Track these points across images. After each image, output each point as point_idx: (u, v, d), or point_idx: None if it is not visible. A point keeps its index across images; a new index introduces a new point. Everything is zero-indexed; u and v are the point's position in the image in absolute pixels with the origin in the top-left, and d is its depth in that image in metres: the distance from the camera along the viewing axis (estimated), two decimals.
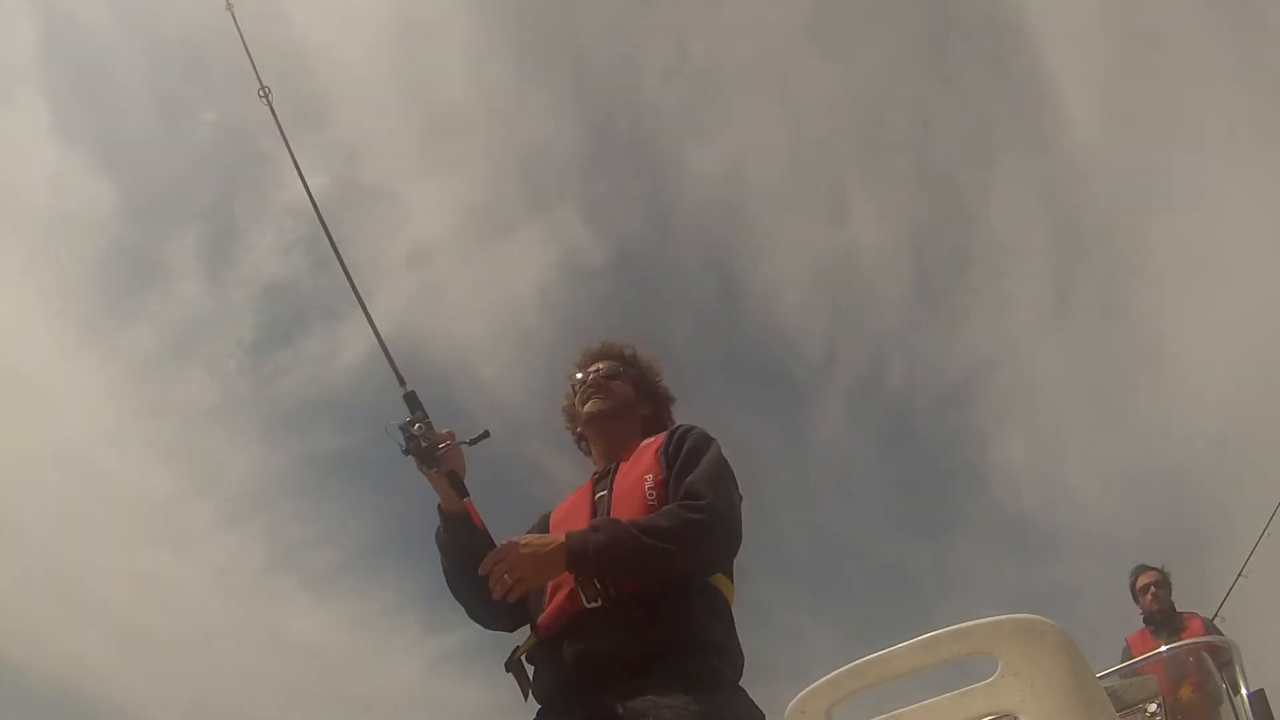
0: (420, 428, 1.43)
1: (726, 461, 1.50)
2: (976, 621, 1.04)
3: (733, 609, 1.42)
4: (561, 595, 1.37)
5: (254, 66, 1.99)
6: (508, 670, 1.44)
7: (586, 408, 1.69)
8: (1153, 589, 4.16)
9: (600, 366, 1.75)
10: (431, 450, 1.43)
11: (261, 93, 1.95)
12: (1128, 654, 4.10)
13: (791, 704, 1.21)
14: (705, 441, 1.53)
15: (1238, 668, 3.14)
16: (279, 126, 1.88)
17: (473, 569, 1.35)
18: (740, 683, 1.36)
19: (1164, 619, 4.10)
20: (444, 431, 1.46)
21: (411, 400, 1.49)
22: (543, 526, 1.64)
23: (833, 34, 11.36)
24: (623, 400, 1.70)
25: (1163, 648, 3.69)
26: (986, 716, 1.03)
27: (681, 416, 1.77)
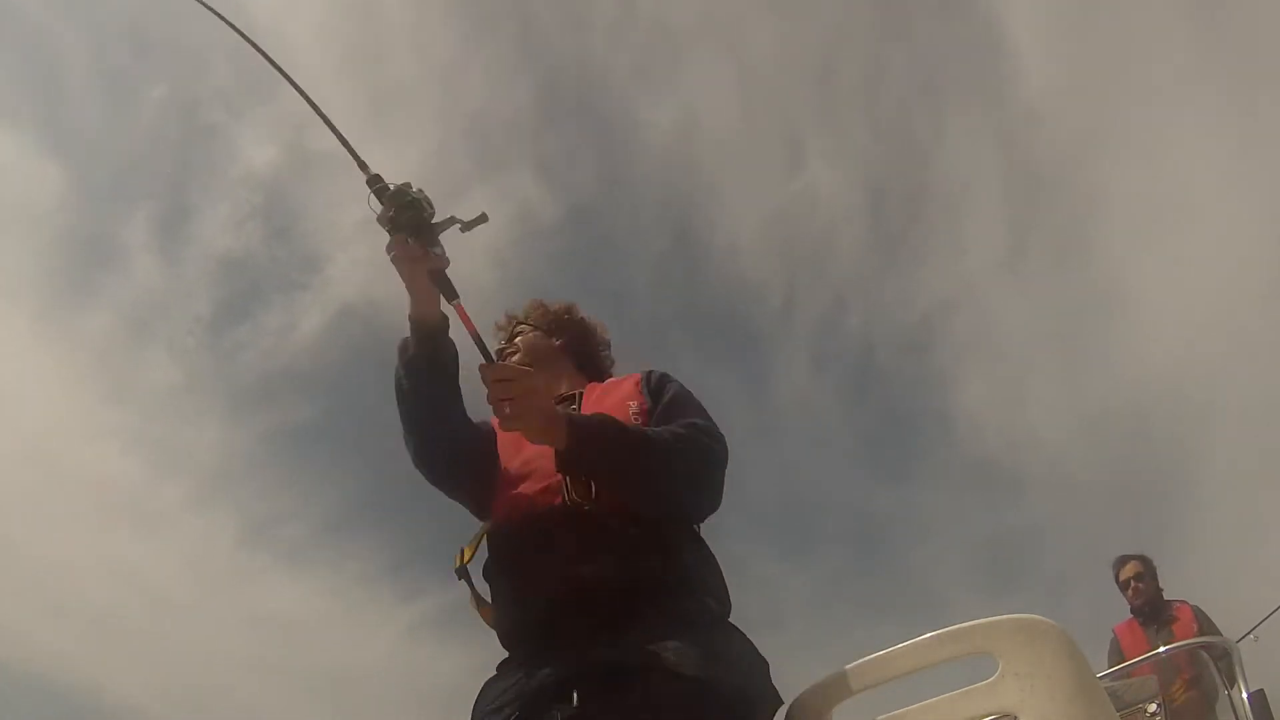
0: (419, 191, 1.20)
1: None
2: (976, 621, 1.04)
3: None
4: (534, 484, 1.23)
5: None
6: (459, 578, 1.32)
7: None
8: (1134, 583, 4.10)
9: (507, 335, 1.63)
10: (424, 222, 1.20)
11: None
12: (1115, 645, 4.06)
13: (792, 703, 1.20)
14: (687, 390, 1.40)
15: (1237, 667, 3.13)
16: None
17: (450, 399, 1.24)
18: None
19: (1152, 610, 4.05)
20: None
21: (378, 186, 1.24)
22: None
23: None
24: (543, 353, 1.56)
25: (1161, 649, 3.68)
26: (987, 716, 1.03)
27: (633, 370, 1.58)
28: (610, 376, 1.60)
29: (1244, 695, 2.98)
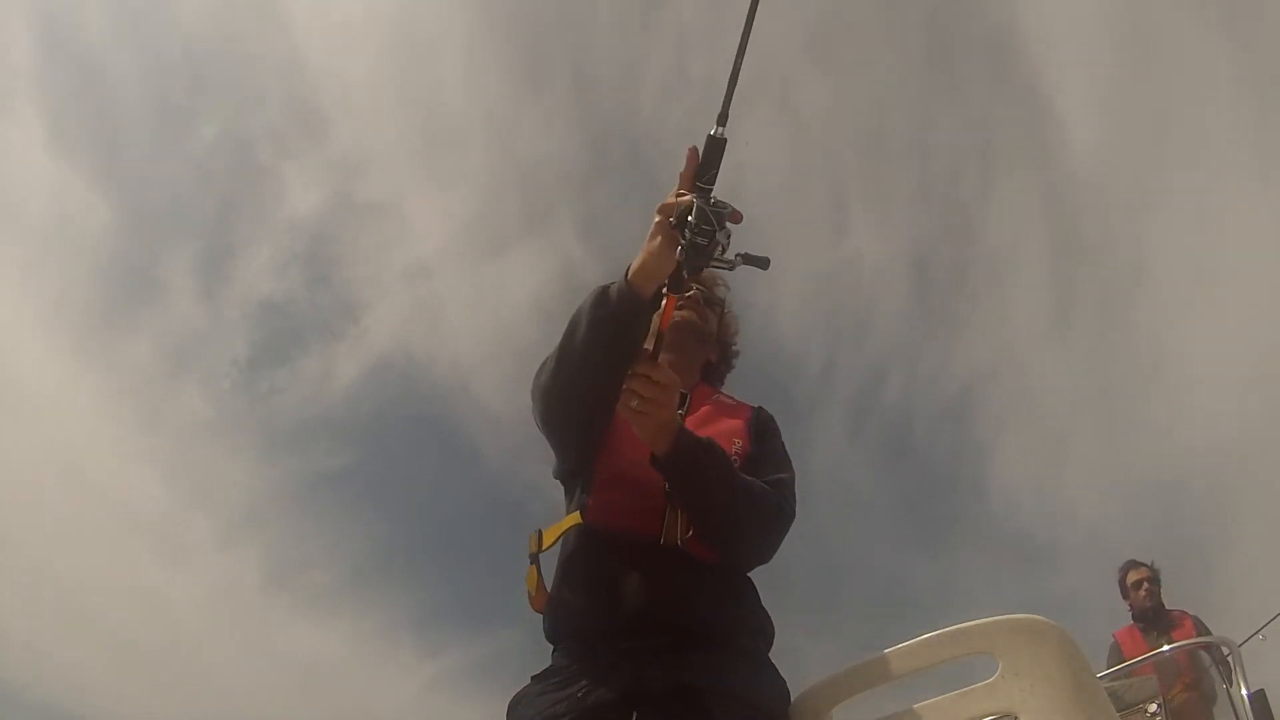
0: (724, 233, 1.03)
1: None
2: (977, 621, 1.05)
3: None
4: (635, 499, 1.23)
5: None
6: (531, 562, 1.31)
7: (679, 314, 1.44)
8: (1145, 585, 4.15)
9: (705, 288, 1.56)
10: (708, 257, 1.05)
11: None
12: (1115, 650, 4.08)
13: (793, 703, 1.21)
14: (785, 448, 1.45)
15: (1237, 667, 3.13)
16: None
17: (620, 364, 1.14)
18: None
19: (1154, 616, 4.10)
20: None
21: (714, 152, 1.07)
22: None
23: (833, 48, 11.50)
24: (709, 333, 1.56)
25: (1165, 647, 3.69)
26: (987, 716, 1.03)
27: None
28: (721, 386, 1.61)
29: (1244, 695, 2.98)
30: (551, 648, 1.28)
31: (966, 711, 1.04)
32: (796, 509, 1.32)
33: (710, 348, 1.59)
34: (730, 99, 1.07)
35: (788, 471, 1.38)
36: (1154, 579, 4.18)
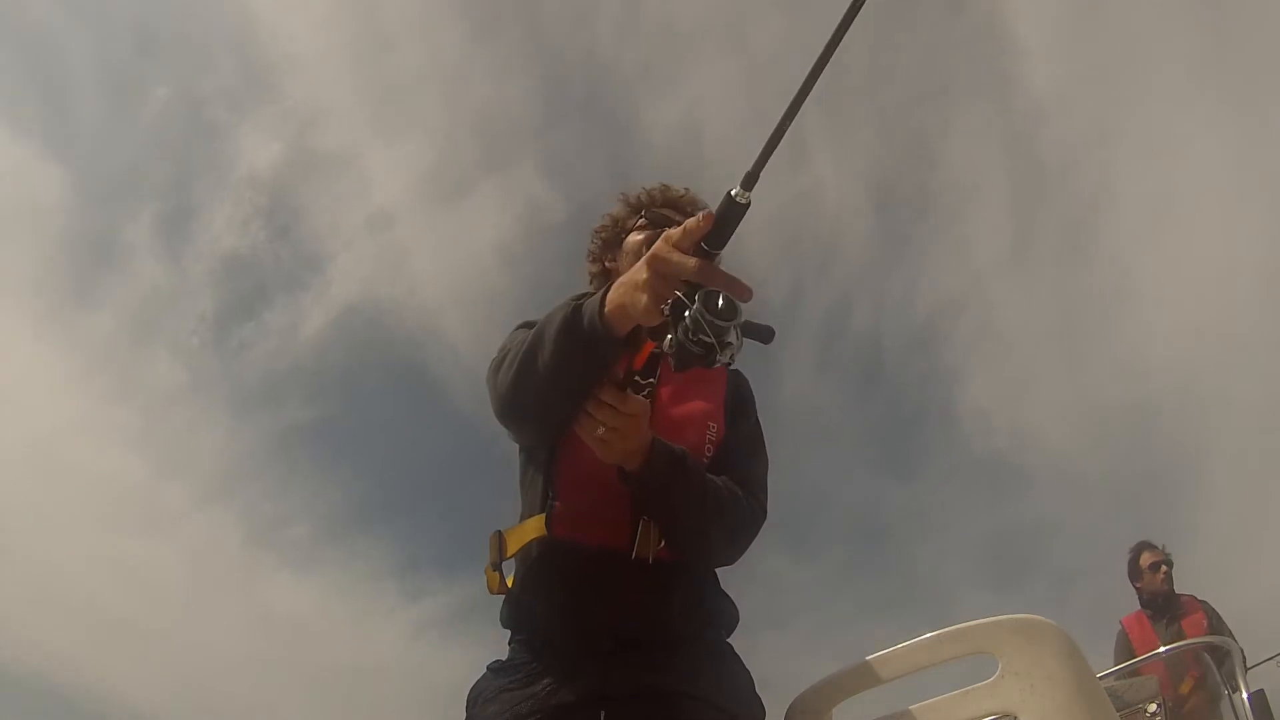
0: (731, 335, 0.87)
1: None
2: (977, 621, 1.05)
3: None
4: (604, 523, 1.19)
5: None
6: (494, 568, 1.25)
7: None
8: (1164, 567, 3.97)
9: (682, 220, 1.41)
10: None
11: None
12: (1123, 638, 3.97)
13: (792, 703, 1.21)
14: (760, 431, 1.40)
15: (1238, 668, 3.13)
16: None
17: (583, 389, 1.05)
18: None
19: (1165, 602, 3.96)
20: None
21: (731, 217, 0.88)
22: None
23: None
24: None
25: (1161, 649, 3.67)
26: (987, 716, 1.03)
27: None
28: None
29: (1244, 696, 2.98)
30: (509, 633, 1.26)
31: (966, 711, 1.04)
32: (767, 513, 1.30)
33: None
34: (765, 161, 0.88)
35: (761, 459, 1.35)
36: (1169, 562, 4.00)
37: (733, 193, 0.87)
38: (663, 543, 1.19)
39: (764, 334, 1.02)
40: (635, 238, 1.42)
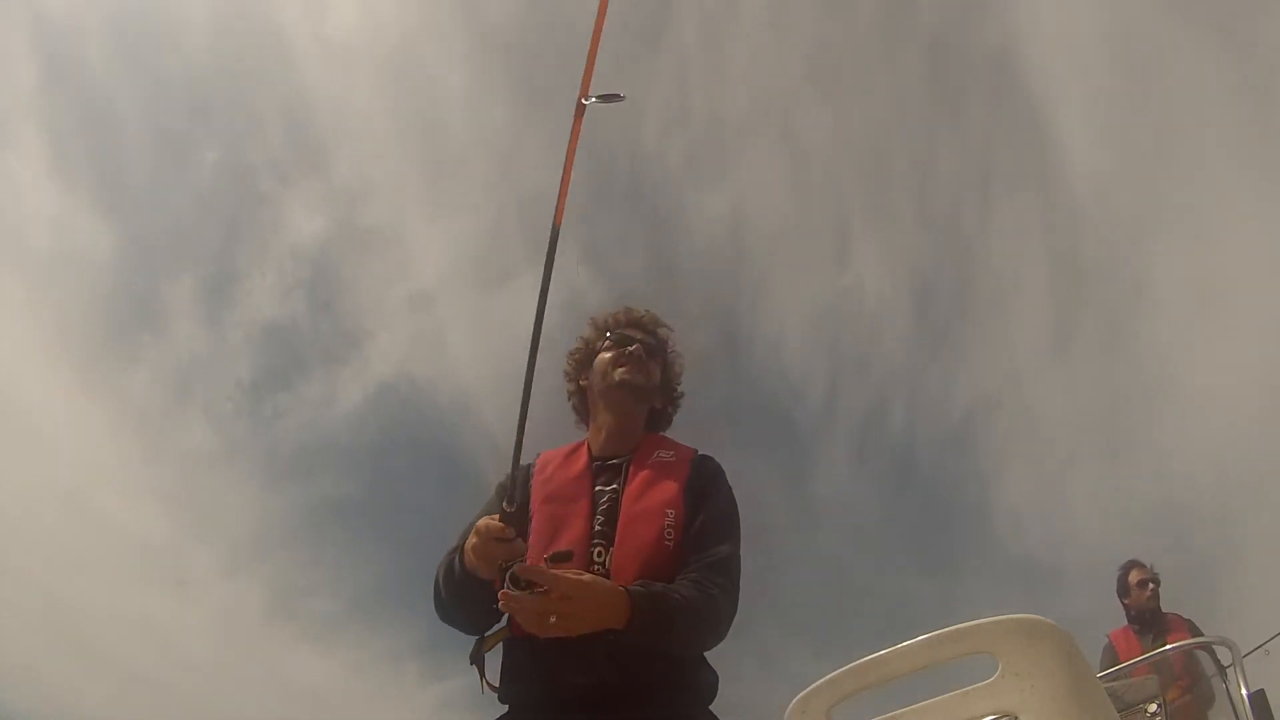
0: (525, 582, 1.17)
1: None
2: (977, 621, 1.04)
3: None
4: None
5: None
6: (471, 663, 1.38)
7: (619, 373, 1.54)
8: (1151, 585, 4.12)
9: (645, 338, 1.60)
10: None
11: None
12: (1110, 651, 4.06)
13: (792, 703, 1.21)
14: (732, 503, 1.46)
15: (1237, 668, 3.13)
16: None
17: (487, 603, 1.25)
18: (713, 706, 1.37)
19: (1151, 618, 4.07)
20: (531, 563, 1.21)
21: (514, 520, 1.23)
22: (524, 481, 1.47)
23: (832, 76, 11.48)
24: (652, 385, 1.58)
25: (1166, 647, 3.68)
26: (987, 717, 1.04)
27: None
28: (668, 429, 1.64)
29: (1244, 695, 2.98)
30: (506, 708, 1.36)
31: (966, 711, 1.04)
32: (737, 599, 1.34)
33: (654, 396, 1.60)
34: (514, 481, 1.28)
35: (729, 542, 1.38)
36: (1156, 580, 4.15)
37: (505, 506, 1.22)
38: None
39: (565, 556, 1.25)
40: (604, 356, 1.59)
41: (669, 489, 1.42)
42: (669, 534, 1.35)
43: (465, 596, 1.33)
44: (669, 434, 1.65)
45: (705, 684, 1.36)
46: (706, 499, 1.42)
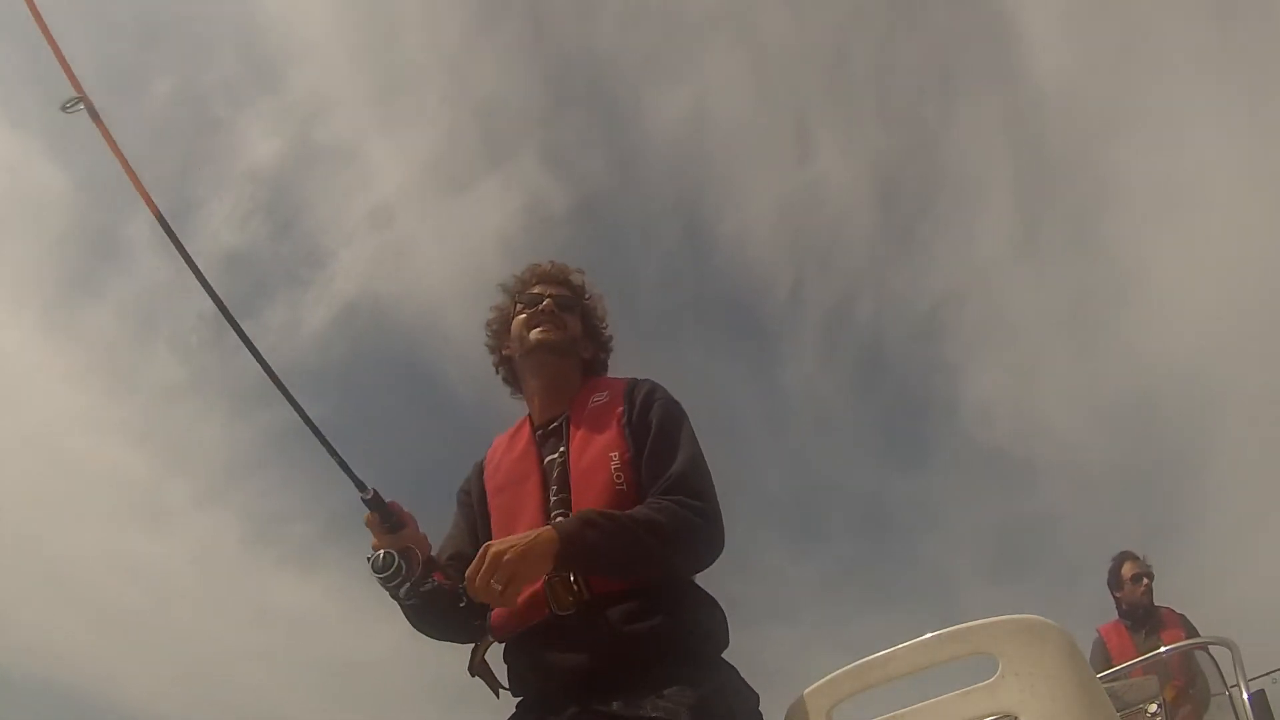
0: (398, 567, 1.26)
1: (699, 443, 1.36)
2: (977, 622, 1.05)
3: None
4: (523, 599, 1.23)
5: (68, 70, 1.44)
6: (472, 675, 1.35)
7: (534, 334, 1.49)
8: (1145, 580, 3.97)
9: (555, 292, 1.53)
10: (414, 586, 1.28)
11: (70, 105, 1.44)
12: (1100, 646, 3.94)
13: (792, 704, 1.21)
14: (677, 412, 1.39)
15: (1237, 667, 3.13)
16: (109, 138, 1.44)
17: (449, 613, 1.29)
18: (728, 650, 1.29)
19: (1144, 614, 3.95)
20: (411, 549, 1.29)
21: (375, 503, 1.29)
22: (478, 477, 1.50)
23: None
24: (572, 336, 1.52)
25: (1164, 648, 3.66)
26: (987, 717, 1.04)
27: (641, 363, 1.60)
28: (606, 373, 1.59)
29: (1244, 695, 2.98)
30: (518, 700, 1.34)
31: (966, 711, 1.05)
32: (711, 504, 1.28)
33: (577, 351, 1.55)
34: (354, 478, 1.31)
35: (678, 458, 1.31)
36: (1151, 575, 4.00)
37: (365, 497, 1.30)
38: (578, 585, 1.24)
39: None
40: (518, 319, 1.54)
41: (608, 432, 1.37)
42: (618, 477, 1.30)
43: (424, 619, 1.36)
44: (613, 372, 1.60)
45: (707, 632, 1.28)
46: (645, 425, 1.36)
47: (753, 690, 1.25)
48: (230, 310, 1.37)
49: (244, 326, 1.34)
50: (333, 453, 1.29)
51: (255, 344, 1.35)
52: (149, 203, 1.36)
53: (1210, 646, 3.42)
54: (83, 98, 1.39)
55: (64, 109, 1.38)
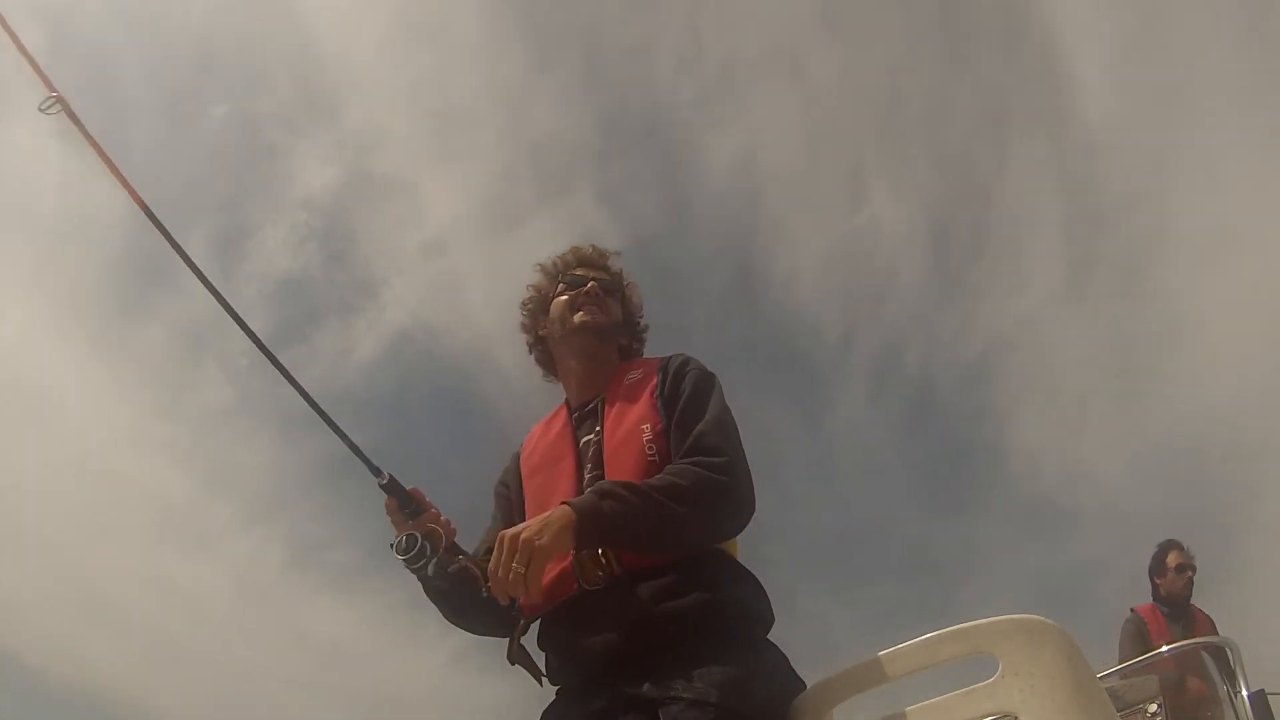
0: (421, 548, 1.28)
1: (730, 409, 1.34)
2: (977, 621, 1.04)
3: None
4: (551, 576, 1.22)
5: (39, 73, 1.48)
6: (512, 663, 1.33)
7: (579, 317, 1.47)
8: (1188, 571, 3.96)
9: (598, 275, 1.53)
10: (441, 566, 1.31)
11: (47, 106, 1.47)
12: (1140, 624, 3.94)
13: (793, 704, 1.20)
14: (707, 381, 1.37)
15: (1238, 667, 3.13)
16: (85, 133, 1.50)
17: (480, 597, 1.23)
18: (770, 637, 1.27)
19: (1181, 606, 3.95)
20: (434, 527, 1.31)
21: (392, 487, 1.33)
22: (515, 464, 1.50)
23: (845, 17, 11.48)
24: (615, 321, 1.51)
25: (1164, 648, 3.66)
26: (987, 717, 1.03)
27: None
28: (640, 354, 1.59)
29: (1244, 695, 2.98)
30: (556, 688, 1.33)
31: (966, 711, 1.04)
32: (733, 460, 1.24)
33: (619, 333, 1.53)
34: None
35: (704, 419, 1.29)
36: (1194, 567, 3.98)
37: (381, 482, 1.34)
38: (606, 560, 1.22)
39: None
40: (560, 300, 1.53)
41: (641, 406, 1.35)
42: (650, 449, 1.28)
43: (455, 605, 1.38)
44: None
45: (746, 610, 1.25)
46: (678, 395, 1.34)
47: (799, 679, 1.23)
48: (231, 306, 1.42)
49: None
50: (343, 437, 1.29)
51: (260, 343, 1.39)
52: (135, 198, 1.38)
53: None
54: (58, 98, 1.41)
55: (41, 110, 1.40)
